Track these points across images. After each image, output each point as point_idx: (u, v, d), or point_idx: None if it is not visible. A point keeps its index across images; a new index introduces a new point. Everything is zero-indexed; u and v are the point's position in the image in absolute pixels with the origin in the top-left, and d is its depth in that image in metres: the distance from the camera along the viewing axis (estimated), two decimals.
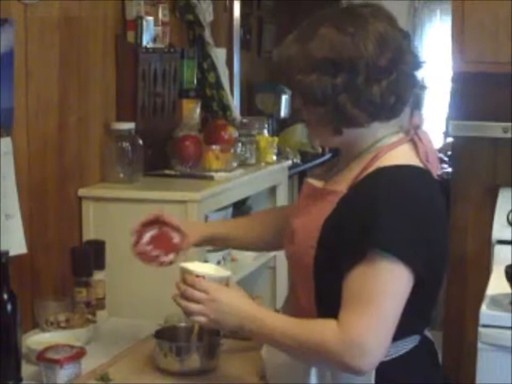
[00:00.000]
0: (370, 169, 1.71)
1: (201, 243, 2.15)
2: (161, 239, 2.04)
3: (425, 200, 1.69)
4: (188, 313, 1.82)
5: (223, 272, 1.89)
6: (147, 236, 2.03)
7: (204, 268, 1.89)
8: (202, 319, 1.79)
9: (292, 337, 1.70)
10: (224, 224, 2.26)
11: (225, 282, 1.84)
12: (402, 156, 1.74)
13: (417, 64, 1.77)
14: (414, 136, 1.78)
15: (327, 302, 1.73)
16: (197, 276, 1.80)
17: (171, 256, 2.05)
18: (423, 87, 1.81)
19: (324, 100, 1.69)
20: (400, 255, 1.63)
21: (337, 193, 1.73)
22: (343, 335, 1.64)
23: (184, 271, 1.84)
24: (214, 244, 2.17)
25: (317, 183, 1.84)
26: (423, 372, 1.83)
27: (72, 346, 2.07)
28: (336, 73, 1.67)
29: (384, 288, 1.65)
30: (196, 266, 1.86)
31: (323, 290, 1.75)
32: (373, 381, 1.72)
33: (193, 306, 1.79)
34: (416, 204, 1.67)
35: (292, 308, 1.84)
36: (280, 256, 3.08)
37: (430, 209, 1.70)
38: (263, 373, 1.98)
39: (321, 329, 1.68)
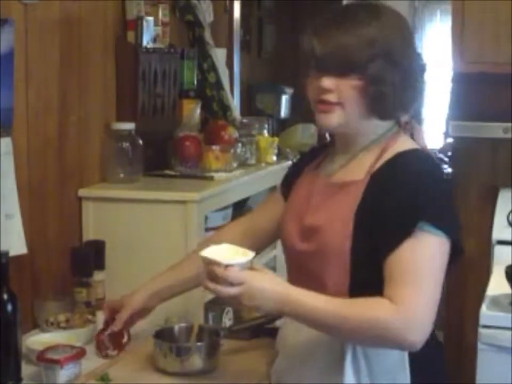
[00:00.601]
0: (387, 156, 1.82)
1: (146, 306, 2.17)
2: (116, 335, 2.20)
3: (444, 178, 1.85)
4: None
5: (247, 253, 1.82)
6: (109, 330, 2.20)
7: (223, 251, 1.82)
8: (239, 305, 1.80)
9: (337, 315, 1.72)
10: (163, 278, 2.20)
11: (250, 264, 1.80)
12: (408, 143, 1.87)
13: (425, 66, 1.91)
14: (408, 127, 1.91)
15: (363, 289, 1.76)
16: (226, 266, 1.75)
17: (115, 353, 2.21)
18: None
19: (386, 81, 1.78)
20: (446, 229, 1.74)
21: (357, 182, 1.82)
22: (401, 310, 1.68)
23: (209, 262, 1.78)
24: (165, 297, 2.18)
25: (327, 179, 1.90)
26: (440, 358, 1.90)
27: (72, 347, 2.07)
28: (394, 62, 1.79)
29: (433, 262, 1.73)
30: (215, 253, 1.80)
31: (359, 279, 1.79)
32: (407, 364, 1.79)
33: (228, 300, 1.81)
34: (443, 181, 1.82)
35: None
36: (280, 257, 3.08)
37: (449, 186, 1.86)
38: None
39: (373, 306, 1.71)
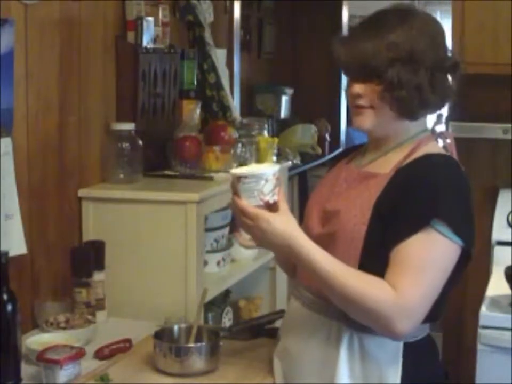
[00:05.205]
0: (416, 155, 1.87)
1: None
2: None
3: (468, 186, 1.86)
4: None
5: (274, 166, 1.88)
6: None
7: (253, 168, 1.90)
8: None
9: (338, 279, 1.76)
10: None
11: (266, 177, 1.80)
12: (437, 148, 1.95)
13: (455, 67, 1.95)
14: (440, 134, 2.01)
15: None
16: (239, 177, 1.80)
17: None
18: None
19: (404, 85, 1.83)
20: (459, 234, 1.78)
21: (383, 175, 1.88)
22: (398, 297, 1.73)
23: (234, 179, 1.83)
24: None
25: (354, 170, 1.97)
26: (435, 358, 1.95)
27: (71, 347, 2.07)
28: (417, 65, 1.83)
29: (437, 260, 1.77)
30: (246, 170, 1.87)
31: (366, 266, 1.82)
32: (400, 358, 1.83)
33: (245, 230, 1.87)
34: (466, 188, 1.84)
35: None
36: None
37: (470, 194, 1.86)
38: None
39: (375, 285, 1.76)
